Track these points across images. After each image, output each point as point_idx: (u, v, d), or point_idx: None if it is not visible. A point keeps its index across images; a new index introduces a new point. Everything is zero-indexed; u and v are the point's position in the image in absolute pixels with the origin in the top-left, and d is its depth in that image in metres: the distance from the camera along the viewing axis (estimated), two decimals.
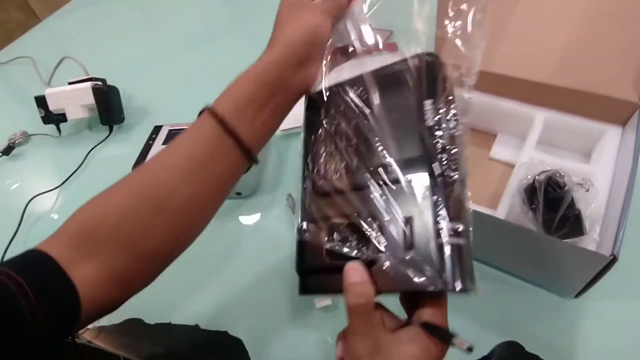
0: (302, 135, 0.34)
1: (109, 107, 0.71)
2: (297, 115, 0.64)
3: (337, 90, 0.34)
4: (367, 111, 0.31)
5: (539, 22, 0.54)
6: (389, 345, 0.25)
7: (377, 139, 0.29)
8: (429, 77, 0.30)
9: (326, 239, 0.29)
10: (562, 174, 0.40)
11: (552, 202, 0.39)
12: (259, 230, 0.55)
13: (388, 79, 0.32)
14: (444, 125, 0.28)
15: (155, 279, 0.32)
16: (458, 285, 0.24)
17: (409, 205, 0.26)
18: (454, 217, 0.25)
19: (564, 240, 0.39)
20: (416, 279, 0.24)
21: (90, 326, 0.49)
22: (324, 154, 0.32)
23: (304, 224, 0.30)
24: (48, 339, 0.26)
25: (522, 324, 0.42)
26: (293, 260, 0.52)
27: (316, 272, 0.30)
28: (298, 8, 0.34)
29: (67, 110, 0.70)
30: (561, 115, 0.50)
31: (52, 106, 0.70)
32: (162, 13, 1.06)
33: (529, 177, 0.42)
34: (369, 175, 0.28)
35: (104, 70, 0.77)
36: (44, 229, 0.60)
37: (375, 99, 0.31)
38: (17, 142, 0.74)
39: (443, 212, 0.25)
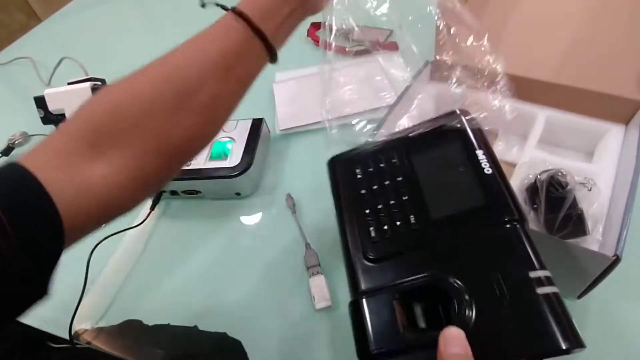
0: (332, 201, 0.33)
1: None
2: (296, 115, 0.64)
3: (366, 154, 0.33)
4: (414, 170, 0.29)
5: (540, 20, 0.53)
6: None
7: (433, 193, 0.27)
8: (470, 130, 0.30)
9: (400, 310, 0.23)
10: (564, 173, 0.39)
11: (554, 201, 0.38)
12: (258, 230, 0.55)
13: (428, 138, 0.31)
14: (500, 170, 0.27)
15: (170, 180, 0.31)
16: (580, 342, 0.21)
17: (494, 258, 0.23)
18: (541, 264, 0.23)
19: (566, 240, 0.38)
20: (527, 342, 0.21)
21: (89, 327, 0.49)
22: (368, 216, 0.28)
23: (364, 299, 0.25)
24: (31, 262, 0.23)
25: None
26: (293, 258, 0.52)
27: (391, 354, 0.24)
28: None
29: (66, 111, 0.70)
30: (563, 114, 0.50)
31: (52, 106, 0.70)
32: (162, 15, 1.06)
33: (530, 176, 0.41)
34: (435, 231, 0.25)
35: (103, 71, 0.76)
36: None
37: (422, 158, 0.30)
38: (16, 142, 0.73)
39: (533, 261, 0.23)
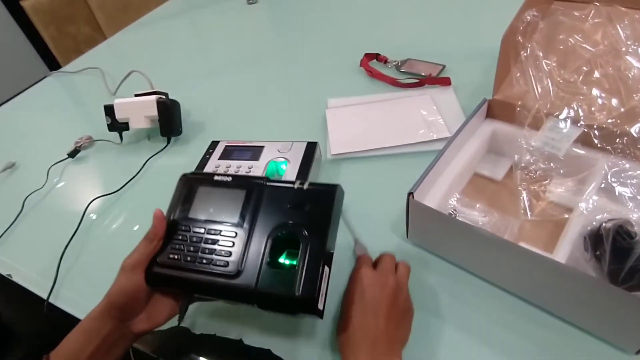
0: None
1: (170, 119, 0.75)
2: (348, 141, 0.66)
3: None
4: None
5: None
6: None
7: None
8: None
9: None
10: (633, 223, 0.38)
11: (620, 252, 0.38)
12: None
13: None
14: None
15: None
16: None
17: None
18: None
19: (632, 293, 0.37)
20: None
21: None
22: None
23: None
24: None
25: None
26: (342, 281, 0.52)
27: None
28: (122, 270, 0.40)
29: (131, 120, 0.75)
30: (625, 161, 0.49)
31: (119, 115, 0.75)
32: (220, 35, 1.13)
33: (594, 223, 0.41)
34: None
35: (165, 85, 0.82)
36: (101, 230, 0.64)
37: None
38: (82, 145, 0.79)
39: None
